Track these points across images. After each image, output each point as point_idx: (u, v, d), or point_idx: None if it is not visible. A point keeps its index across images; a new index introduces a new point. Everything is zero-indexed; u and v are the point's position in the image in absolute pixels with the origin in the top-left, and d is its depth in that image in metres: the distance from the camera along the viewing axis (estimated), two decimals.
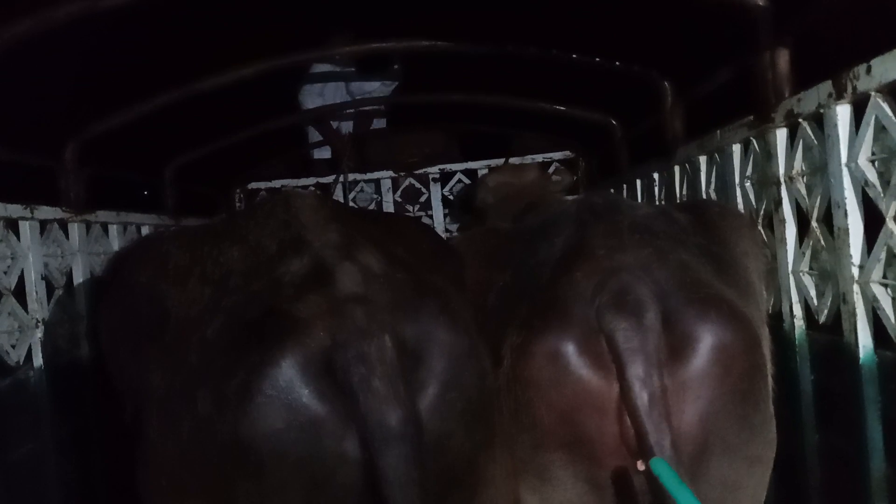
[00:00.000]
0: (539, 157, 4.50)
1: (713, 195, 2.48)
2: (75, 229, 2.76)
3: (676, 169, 2.83)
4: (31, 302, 2.46)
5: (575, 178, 4.17)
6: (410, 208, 4.65)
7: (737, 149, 2.27)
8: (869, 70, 1.54)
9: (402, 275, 1.47)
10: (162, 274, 1.56)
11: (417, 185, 4.65)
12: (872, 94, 1.55)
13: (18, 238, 2.43)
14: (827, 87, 1.70)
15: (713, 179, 2.49)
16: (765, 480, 1.66)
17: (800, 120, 1.86)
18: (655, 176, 3.14)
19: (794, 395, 1.94)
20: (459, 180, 4.64)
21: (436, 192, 4.62)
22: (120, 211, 3.10)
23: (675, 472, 1.37)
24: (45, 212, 2.57)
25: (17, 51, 2.14)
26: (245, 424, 1.28)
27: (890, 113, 1.52)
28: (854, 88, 1.59)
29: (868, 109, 1.58)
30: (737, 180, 2.27)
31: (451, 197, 4.66)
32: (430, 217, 4.61)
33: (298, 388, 1.29)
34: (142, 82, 2.90)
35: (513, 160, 4.41)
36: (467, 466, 1.43)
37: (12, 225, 2.41)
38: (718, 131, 2.36)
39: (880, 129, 1.56)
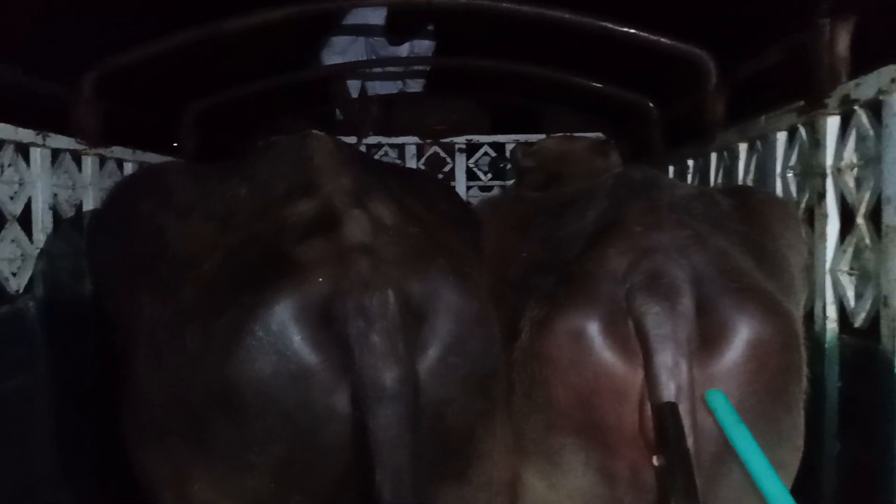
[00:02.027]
0: None
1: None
2: (88, 162, 2.69)
3: (713, 156, 2.70)
4: (36, 231, 2.40)
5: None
6: None
7: (781, 136, 2.14)
8: None
9: (414, 230, 1.39)
10: (164, 205, 1.49)
11: (443, 154, 4.53)
12: None
13: (28, 165, 2.36)
14: (890, 71, 1.57)
15: (752, 168, 2.36)
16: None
17: (855, 107, 1.73)
18: (690, 163, 3.02)
19: (817, 401, 1.83)
20: (486, 153, 4.52)
21: (460, 162, 4.51)
22: (136, 149, 3.03)
23: (733, 407, 1.27)
24: (59, 141, 2.49)
25: None
26: (231, 367, 1.21)
27: None
28: None
29: None
30: (778, 170, 2.15)
31: (475, 169, 4.55)
32: None
33: (291, 333, 1.22)
34: (165, 17, 2.80)
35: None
36: (464, 436, 1.36)
37: (23, 150, 2.34)
38: (763, 117, 2.23)
39: None
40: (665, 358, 1.39)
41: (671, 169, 3.24)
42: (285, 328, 1.21)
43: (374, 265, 1.27)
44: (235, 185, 1.46)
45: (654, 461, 1.41)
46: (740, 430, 1.23)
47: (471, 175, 4.52)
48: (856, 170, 1.77)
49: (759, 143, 2.31)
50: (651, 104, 3.54)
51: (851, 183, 1.78)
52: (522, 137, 4.35)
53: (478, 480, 1.40)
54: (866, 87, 1.69)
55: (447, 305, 1.32)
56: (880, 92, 1.62)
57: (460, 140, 4.46)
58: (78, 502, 2.49)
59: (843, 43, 1.82)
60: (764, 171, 2.25)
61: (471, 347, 1.34)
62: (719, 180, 2.67)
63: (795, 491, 1.66)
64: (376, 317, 1.23)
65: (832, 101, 1.83)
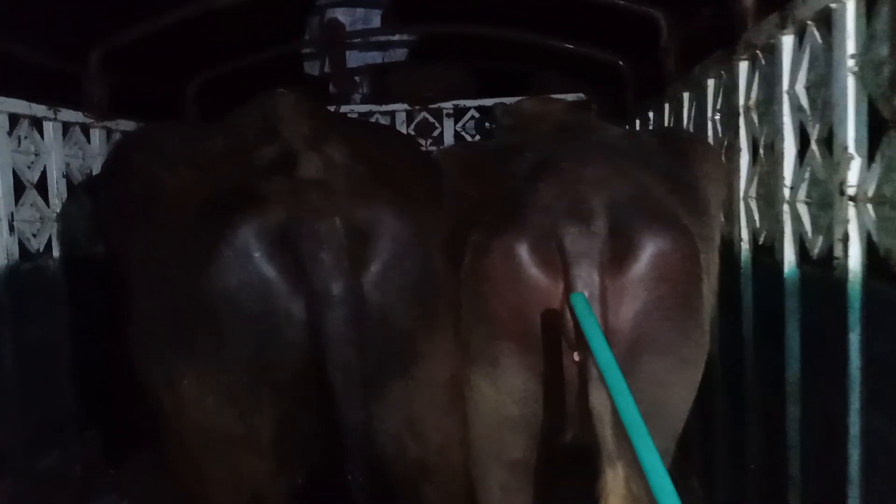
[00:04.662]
0: None
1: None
2: (97, 135, 2.96)
3: (667, 106, 2.92)
4: (51, 197, 2.67)
5: None
6: (423, 142, 4.78)
7: (711, 83, 2.36)
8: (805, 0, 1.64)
9: (363, 167, 1.64)
10: (156, 157, 1.76)
11: (431, 119, 4.75)
12: (809, 23, 1.65)
13: (42, 137, 2.63)
14: (774, 18, 1.79)
15: (693, 115, 2.58)
16: (695, 382, 1.82)
17: (756, 51, 1.95)
18: (651, 115, 3.22)
19: (739, 314, 2.07)
20: (472, 116, 4.74)
21: (448, 127, 4.73)
22: (140, 122, 3.28)
23: (592, 309, 1.52)
24: (68, 115, 2.76)
25: None
26: (205, 281, 1.48)
27: (821, 41, 1.61)
28: (794, 18, 1.69)
29: (805, 38, 1.68)
30: (709, 114, 2.37)
31: (463, 133, 4.77)
32: None
33: (253, 252, 1.49)
34: None
35: None
36: (405, 339, 1.63)
37: (37, 124, 2.60)
38: (697, 66, 2.45)
39: (815, 58, 1.66)
40: (580, 270, 1.64)
41: (638, 123, 3.45)
42: (248, 247, 1.49)
43: (324, 196, 1.54)
44: (214, 137, 1.74)
45: (575, 357, 1.66)
46: (592, 325, 1.48)
47: (459, 138, 4.73)
48: (759, 107, 1.99)
49: (695, 92, 2.53)
50: (622, 64, 3.74)
51: (756, 119, 2.00)
52: (508, 100, 4.55)
53: (420, 376, 1.67)
54: (760, 33, 1.90)
55: (387, 228, 1.59)
56: (769, 36, 1.84)
57: (447, 105, 4.67)
58: (101, 436, 2.79)
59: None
60: (702, 115, 2.46)
61: (407, 264, 1.61)
62: None
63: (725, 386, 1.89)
64: (325, 238, 1.50)
65: (740, 48, 2.04)
